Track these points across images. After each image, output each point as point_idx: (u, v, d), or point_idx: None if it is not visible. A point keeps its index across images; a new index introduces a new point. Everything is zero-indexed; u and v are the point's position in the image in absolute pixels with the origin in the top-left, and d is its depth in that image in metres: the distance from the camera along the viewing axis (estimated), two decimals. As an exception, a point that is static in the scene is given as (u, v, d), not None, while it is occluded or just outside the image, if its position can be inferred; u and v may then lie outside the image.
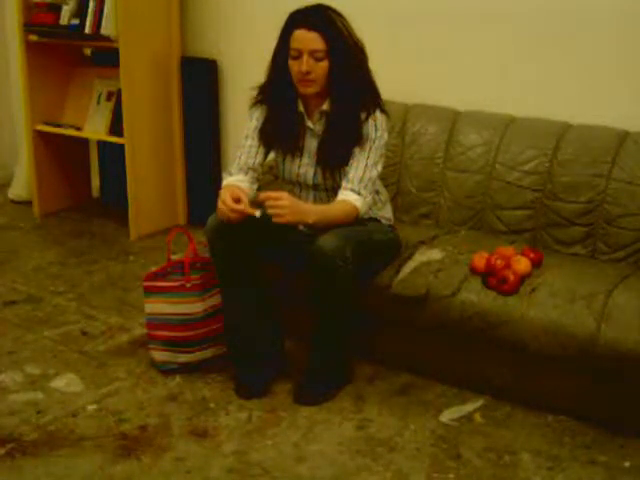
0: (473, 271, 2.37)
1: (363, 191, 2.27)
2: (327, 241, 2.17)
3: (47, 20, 3.62)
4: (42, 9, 3.66)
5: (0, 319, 2.88)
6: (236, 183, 2.32)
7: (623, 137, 2.59)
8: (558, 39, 2.82)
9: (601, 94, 2.77)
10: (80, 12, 3.52)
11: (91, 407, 2.32)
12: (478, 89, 3.00)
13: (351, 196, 2.27)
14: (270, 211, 2.14)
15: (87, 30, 3.48)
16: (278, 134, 2.39)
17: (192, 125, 3.79)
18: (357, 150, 2.30)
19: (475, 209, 2.78)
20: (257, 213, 2.16)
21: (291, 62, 2.26)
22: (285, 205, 2.13)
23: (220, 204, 2.20)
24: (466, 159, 2.80)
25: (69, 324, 2.85)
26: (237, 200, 2.18)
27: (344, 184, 2.29)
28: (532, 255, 2.39)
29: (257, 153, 2.40)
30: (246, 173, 2.37)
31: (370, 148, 2.29)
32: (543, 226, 2.66)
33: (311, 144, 2.38)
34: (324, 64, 2.24)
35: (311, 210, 2.24)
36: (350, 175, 2.29)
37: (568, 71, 2.83)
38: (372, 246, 2.34)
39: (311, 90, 2.28)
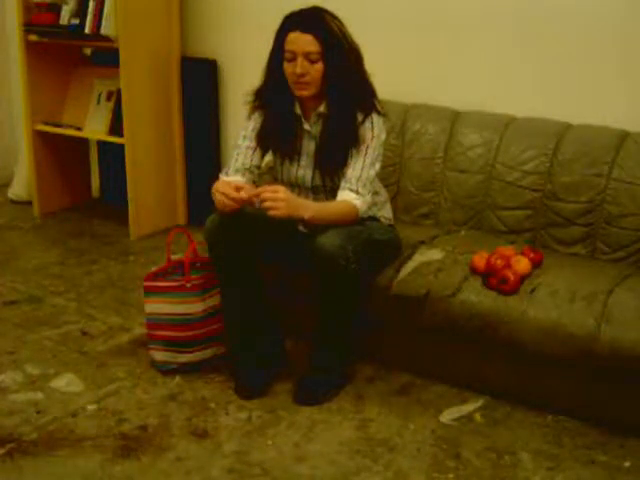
0: (473, 271, 2.37)
1: (362, 190, 2.27)
2: (329, 240, 2.16)
3: (47, 20, 3.62)
4: (42, 9, 3.66)
5: (0, 319, 2.88)
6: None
7: (623, 137, 2.59)
8: (558, 39, 2.82)
9: (601, 94, 2.77)
10: (80, 12, 3.51)
11: (91, 407, 2.32)
12: (478, 89, 3.00)
13: (350, 195, 2.26)
14: (266, 204, 2.11)
15: (87, 30, 3.48)
16: (275, 137, 2.38)
17: (192, 125, 3.79)
18: (354, 151, 2.29)
19: (475, 209, 2.78)
20: (256, 201, 2.14)
21: (286, 65, 2.25)
22: (281, 198, 2.12)
23: (219, 195, 2.18)
24: (466, 159, 2.80)
25: (69, 324, 2.85)
26: (238, 190, 2.17)
27: (342, 184, 2.29)
28: (532, 255, 2.39)
29: (254, 154, 2.40)
30: (243, 174, 2.36)
31: (367, 148, 2.29)
32: (543, 226, 2.66)
33: (309, 146, 2.38)
34: (319, 66, 2.23)
35: (308, 205, 2.23)
36: (348, 175, 2.28)
37: (568, 71, 2.82)
38: (372, 245, 2.33)
39: (306, 93, 2.27)
